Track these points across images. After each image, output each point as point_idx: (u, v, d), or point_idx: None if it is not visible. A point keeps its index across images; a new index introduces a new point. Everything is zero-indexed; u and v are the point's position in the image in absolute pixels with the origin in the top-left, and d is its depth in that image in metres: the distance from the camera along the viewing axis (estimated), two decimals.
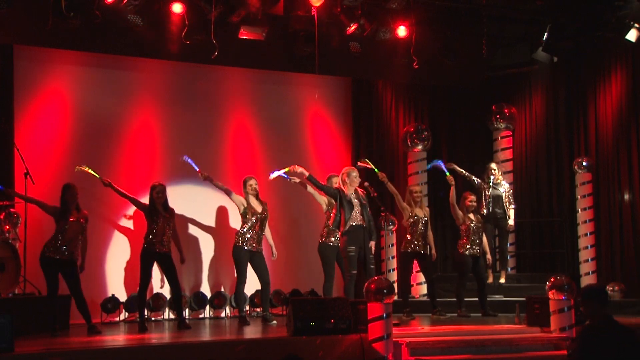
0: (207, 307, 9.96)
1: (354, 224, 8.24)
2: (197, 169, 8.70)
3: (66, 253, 7.88)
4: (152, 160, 9.98)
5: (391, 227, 10.52)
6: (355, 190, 8.41)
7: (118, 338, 7.70)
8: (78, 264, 8.02)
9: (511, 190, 10.56)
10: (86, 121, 9.69)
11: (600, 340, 4.67)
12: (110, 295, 9.36)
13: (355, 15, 9.66)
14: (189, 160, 8.70)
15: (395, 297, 7.85)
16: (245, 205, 8.65)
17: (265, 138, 10.76)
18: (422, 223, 9.22)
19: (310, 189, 8.81)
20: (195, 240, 10.08)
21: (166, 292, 9.50)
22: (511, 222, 10.35)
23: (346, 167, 8.75)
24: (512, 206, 10.36)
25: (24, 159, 8.70)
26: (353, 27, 9.68)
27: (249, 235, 8.57)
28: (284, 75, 10.95)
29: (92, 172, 8.39)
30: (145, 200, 8.55)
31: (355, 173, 8.48)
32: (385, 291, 6.68)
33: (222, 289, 10.11)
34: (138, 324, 8.28)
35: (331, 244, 8.66)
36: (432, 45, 10.43)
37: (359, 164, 9.04)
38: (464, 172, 10.11)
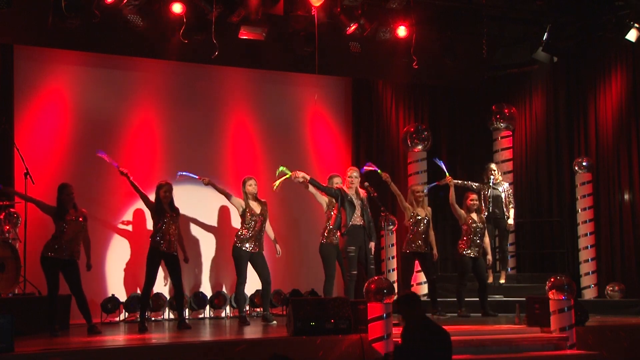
0: (207, 307, 9.96)
1: (354, 224, 8.29)
2: (197, 177, 8.75)
3: (66, 253, 7.84)
4: (152, 160, 9.98)
5: (391, 227, 10.50)
6: (357, 191, 8.44)
7: (118, 338, 7.69)
8: (83, 262, 8.01)
9: (510, 190, 10.56)
10: (86, 121, 9.69)
11: (416, 340, 5.52)
12: (110, 295, 9.36)
13: (355, 15, 9.66)
14: (185, 174, 8.80)
15: (396, 297, 7.85)
16: (244, 206, 8.65)
17: (265, 138, 10.76)
18: (424, 223, 9.22)
19: (311, 188, 8.83)
20: (195, 240, 10.07)
21: (166, 292, 9.53)
22: (511, 221, 10.37)
23: (348, 168, 8.77)
24: (512, 205, 10.37)
25: (24, 159, 8.68)
26: (353, 27, 9.67)
27: (247, 237, 8.57)
28: (284, 75, 10.95)
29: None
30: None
31: (355, 173, 8.52)
32: (385, 291, 6.69)
33: (223, 289, 10.10)
34: (138, 324, 8.27)
35: (332, 244, 8.68)
36: (432, 45, 10.43)
37: (365, 167, 9.04)
38: (461, 182, 10.10)
